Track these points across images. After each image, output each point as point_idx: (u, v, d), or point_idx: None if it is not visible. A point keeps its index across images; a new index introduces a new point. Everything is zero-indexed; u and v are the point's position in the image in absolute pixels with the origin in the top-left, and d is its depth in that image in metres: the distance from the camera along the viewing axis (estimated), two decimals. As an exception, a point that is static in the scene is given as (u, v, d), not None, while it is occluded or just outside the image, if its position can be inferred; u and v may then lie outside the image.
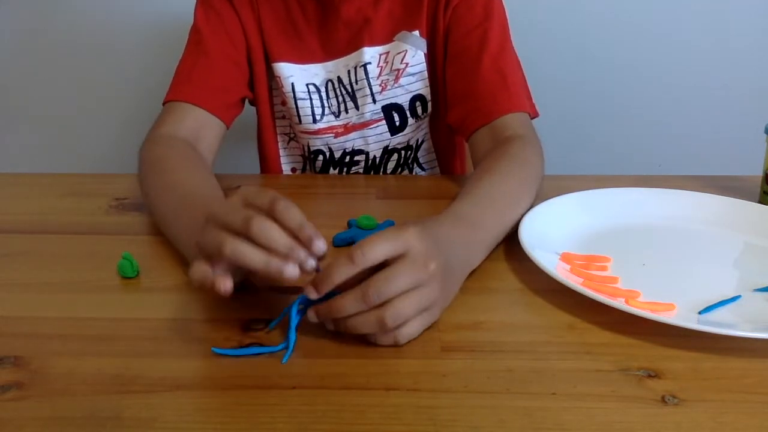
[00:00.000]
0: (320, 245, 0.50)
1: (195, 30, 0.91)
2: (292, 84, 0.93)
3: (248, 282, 0.60)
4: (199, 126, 0.86)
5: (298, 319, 0.52)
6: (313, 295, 0.50)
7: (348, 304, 0.50)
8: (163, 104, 0.88)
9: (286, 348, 0.51)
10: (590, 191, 0.77)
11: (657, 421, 0.44)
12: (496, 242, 0.67)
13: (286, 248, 0.49)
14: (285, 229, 0.49)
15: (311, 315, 0.52)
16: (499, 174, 0.73)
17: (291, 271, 0.48)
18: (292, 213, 0.50)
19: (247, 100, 0.96)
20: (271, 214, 0.50)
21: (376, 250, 0.49)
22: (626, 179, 0.87)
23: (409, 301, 0.50)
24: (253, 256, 0.49)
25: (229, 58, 0.90)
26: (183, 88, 0.88)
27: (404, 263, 0.50)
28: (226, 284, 0.49)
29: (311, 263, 0.49)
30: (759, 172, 0.83)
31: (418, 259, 0.51)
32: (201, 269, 0.50)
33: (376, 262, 0.50)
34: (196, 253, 0.52)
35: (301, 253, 0.49)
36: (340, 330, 0.52)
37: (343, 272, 0.49)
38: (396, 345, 0.52)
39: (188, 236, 0.61)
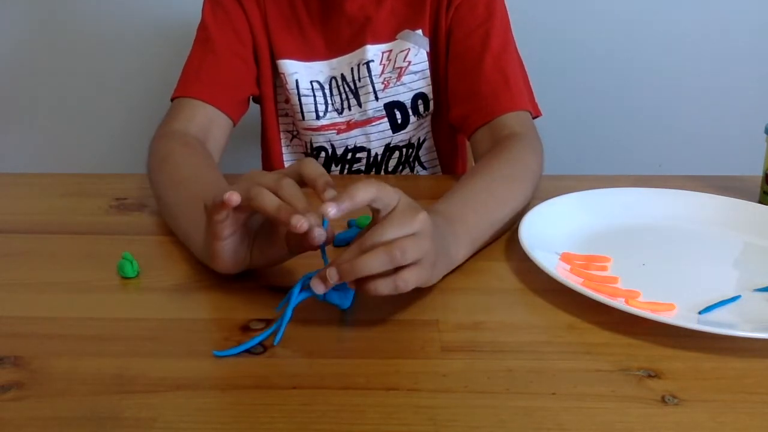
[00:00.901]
0: (332, 192, 0.52)
1: (203, 27, 0.91)
2: (297, 81, 0.93)
3: (249, 273, 0.60)
4: (209, 123, 0.86)
5: (300, 300, 0.53)
6: (319, 288, 0.52)
7: (349, 253, 0.51)
8: (171, 100, 0.88)
9: (278, 329, 0.52)
10: (590, 191, 0.77)
11: (657, 421, 0.44)
12: (483, 239, 0.66)
13: (303, 207, 0.52)
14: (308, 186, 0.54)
15: (315, 284, 0.51)
16: (488, 174, 0.73)
17: (297, 219, 0.50)
18: (316, 166, 0.55)
19: (251, 99, 0.96)
20: (299, 170, 0.55)
21: (386, 187, 0.52)
22: (626, 179, 0.87)
23: (410, 242, 0.51)
24: (268, 199, 0.52)
25: (237, 55, 0.91)
26: (192, 84, 0.88)
27: (395, 213, 0.53)
28: (232, 196, 0.52)
29: (320, 231, 0.51)
30: (759, 172, 0.83)
31: (407, 210, 0.53)
32: (216, 195, 0.54)
33: (385, 198, 0.52)
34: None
35: (314, 218, 0.51)
36: (346, 279, 0.51)
37: (361, 192, 0.51)
38: (395, 292, 0.51)
39: (196, 233, 0.61)
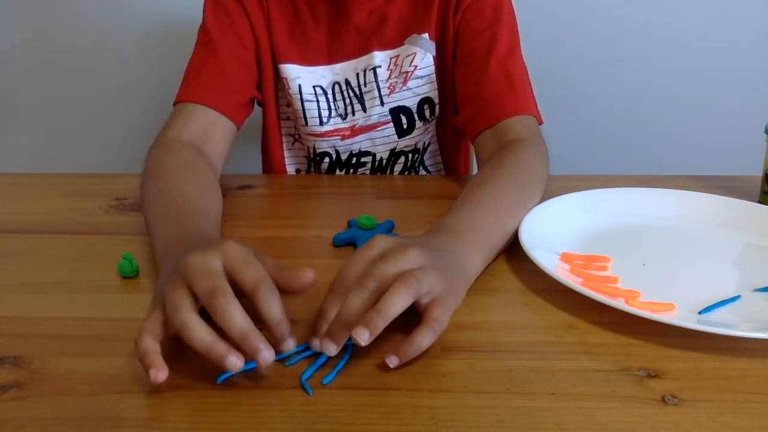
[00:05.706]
0: (290, 344, 0.48)
1: (204, 30, 0.90)
2: (299, 86, 0.92)
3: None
4: (207, 127, 0.84)
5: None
6: (332, 350, 0.49)
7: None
8: (173, 106, 0.87)
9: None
10: (590, 191, 0.77)
11: (657, 421, 0.44)
12: (497, 247, 0.65)
13: (239, 336, 0.45)
14: (261, 316, 0.47)
15: (327, 346, 0.49)
16: (495, 182, 0.72)
17: (232, 362, 0.45)
18: (273, 305, 0.47)
19: (255, 102, 0.95)
20: (251, 298, 0.48)
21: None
22: (626, 179, 0.87)
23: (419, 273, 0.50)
24: (197, 336, 0.46)
25: (239, 58, 0.89)
26: (191, 88, 0.86)
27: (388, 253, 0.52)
28: (158, 376, 0.45)
29: (266, 356, 0.45)
30: (759, 172, 0.83)
31: (399, 248, 0.53)
32: (145, 344, 0.47)
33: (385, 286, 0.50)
34: (156, 299, 0.51)
35: (259, 343, 0.45)
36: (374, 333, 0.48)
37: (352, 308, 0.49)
38: (435, 335, 0.50)
39: (160, 244, 0.60)
